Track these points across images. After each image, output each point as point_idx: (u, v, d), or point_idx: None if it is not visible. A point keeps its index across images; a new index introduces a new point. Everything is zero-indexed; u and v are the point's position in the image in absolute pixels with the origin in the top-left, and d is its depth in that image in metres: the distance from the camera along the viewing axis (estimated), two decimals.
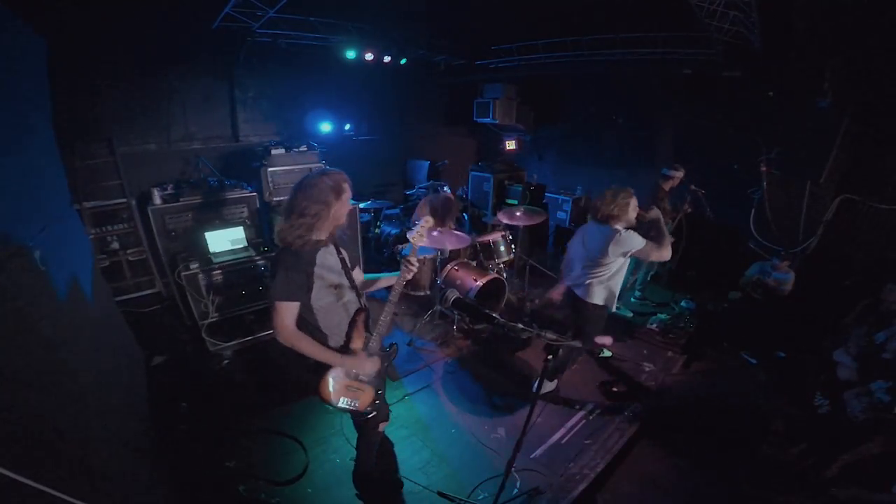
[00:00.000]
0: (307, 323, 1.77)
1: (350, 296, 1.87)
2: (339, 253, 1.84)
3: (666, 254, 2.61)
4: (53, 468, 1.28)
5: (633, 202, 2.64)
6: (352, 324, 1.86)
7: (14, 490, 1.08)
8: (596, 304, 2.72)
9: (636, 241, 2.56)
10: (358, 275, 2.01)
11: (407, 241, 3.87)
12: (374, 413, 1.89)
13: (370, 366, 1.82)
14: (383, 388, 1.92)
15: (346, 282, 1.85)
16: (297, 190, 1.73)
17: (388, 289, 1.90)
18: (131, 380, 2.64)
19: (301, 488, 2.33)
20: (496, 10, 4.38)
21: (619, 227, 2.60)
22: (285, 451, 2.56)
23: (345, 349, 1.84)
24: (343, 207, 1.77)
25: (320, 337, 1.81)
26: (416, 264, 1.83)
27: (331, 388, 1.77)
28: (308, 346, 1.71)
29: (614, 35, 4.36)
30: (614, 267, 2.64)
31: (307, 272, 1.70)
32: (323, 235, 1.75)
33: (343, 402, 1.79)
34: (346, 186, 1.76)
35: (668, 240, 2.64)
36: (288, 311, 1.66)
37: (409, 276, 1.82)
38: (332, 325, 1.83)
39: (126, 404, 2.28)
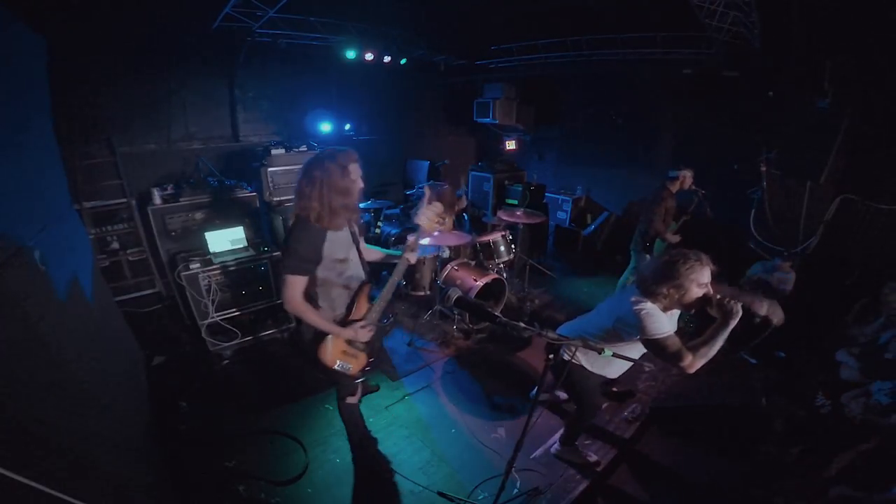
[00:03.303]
0: (308, 296, 1.88)
1: (353, 269, 2.00)
2: (350, 227, 1.96)
3: (694, 368, 1.76)
4: (53, 468, 1.28)
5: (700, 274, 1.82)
6: (356, 294, 2.01)
7: (14, 490, 1.08)
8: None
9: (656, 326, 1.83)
10: (362, 244, 2.16)
11: (406, 241, 3.88)
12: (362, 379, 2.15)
13: (364, 334, 1.97)
14: (375, 356, 2.11)
15: (352, 256, 1.98)
16: (305, 170, 1.82)
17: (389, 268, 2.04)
18: (131, 380, 2.64)
19: (301, 488, 2.32)
20: (496, 9, 4.38)
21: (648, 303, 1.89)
22: (285, 451, 2.56)
23: (345, 320, 1.98)
24: (352, 184, 1.84)
25: (319, 309, 1.95)
26: (417, 250, 1.97)
27: (329, 351, 1.95)
28: (312, 317, 1.85)
29: (614, 35, 4.36)
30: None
31: (317, 246, 1.81)
32: (339, 217, 1.83)
33: (339, 365, 1.97)
34: (352, 167, 1.84)
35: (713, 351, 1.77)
36: (297, 284, 1.79)
37: (414, 261, 1.97)
38: (330, 297, 1.97)
39: (126, 404, 2.28)
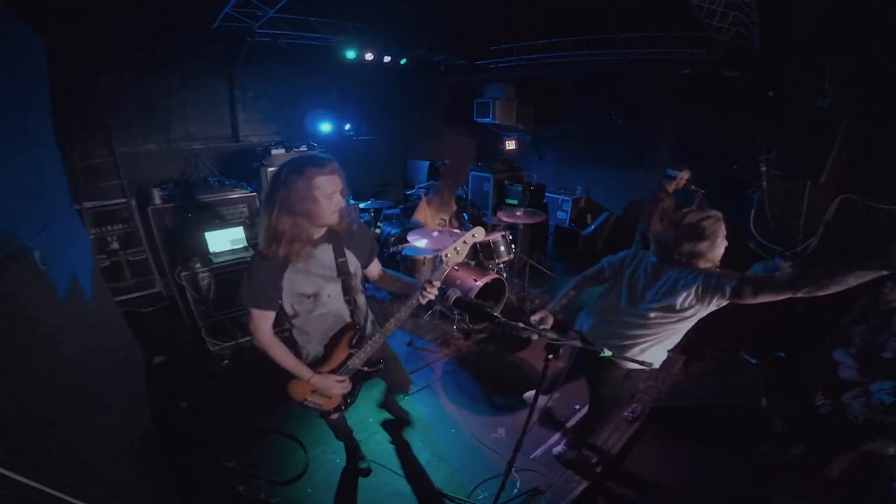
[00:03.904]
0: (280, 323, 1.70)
1: (331, 308, 1.70)
2: (338, 255, 1.64)
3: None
4: (54, 468, 1.28)
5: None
6: (335, 337, 1.75)
7: (14, 490, 1.08)
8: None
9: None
10: (374, 271, 1.90)
11: (406, 241, 3.87)
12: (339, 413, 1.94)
13: (338, 389, 1.74)
14: (354, 397, 1.92)
15: (329, 291, 1.66)
16: (268, 192, 1.50)
17: (393, 294, 1.83)
18: (131, 380, 2.64)
19: (301, 488, 2.33)
20: (496, 9, 4.37)
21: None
22: (285, 451, 2.56)
23: (321, 360, 1.76)
24: (314, 203, 1.45)
25: (292, 345, 1.75)
26: (436, 289, 1.55)
27: (298, 386, 1.77)
28: (280, 354, 1.64)
29: (614, 35, 4.35)
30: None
31: (272, 278, 1.54)
32: (282, 247, 1.48)
33: (308, 402, 1.82)
34: (320, 181, 1.44)
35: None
36: (260, 318, 1.57)
37: (425, 301, 1.56)
38: (304, 333, 1.74)
39: (126, 404, 2.28)
